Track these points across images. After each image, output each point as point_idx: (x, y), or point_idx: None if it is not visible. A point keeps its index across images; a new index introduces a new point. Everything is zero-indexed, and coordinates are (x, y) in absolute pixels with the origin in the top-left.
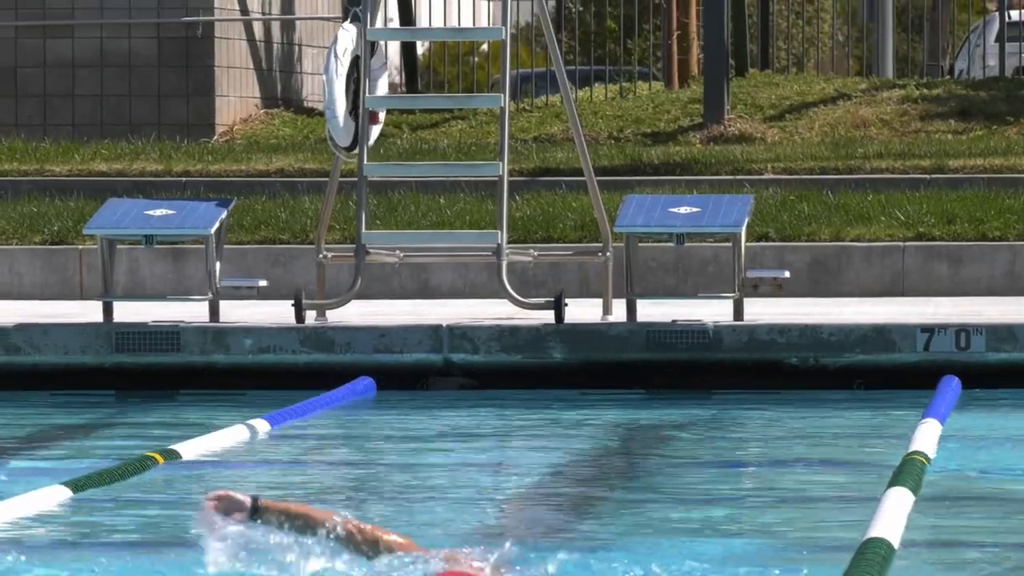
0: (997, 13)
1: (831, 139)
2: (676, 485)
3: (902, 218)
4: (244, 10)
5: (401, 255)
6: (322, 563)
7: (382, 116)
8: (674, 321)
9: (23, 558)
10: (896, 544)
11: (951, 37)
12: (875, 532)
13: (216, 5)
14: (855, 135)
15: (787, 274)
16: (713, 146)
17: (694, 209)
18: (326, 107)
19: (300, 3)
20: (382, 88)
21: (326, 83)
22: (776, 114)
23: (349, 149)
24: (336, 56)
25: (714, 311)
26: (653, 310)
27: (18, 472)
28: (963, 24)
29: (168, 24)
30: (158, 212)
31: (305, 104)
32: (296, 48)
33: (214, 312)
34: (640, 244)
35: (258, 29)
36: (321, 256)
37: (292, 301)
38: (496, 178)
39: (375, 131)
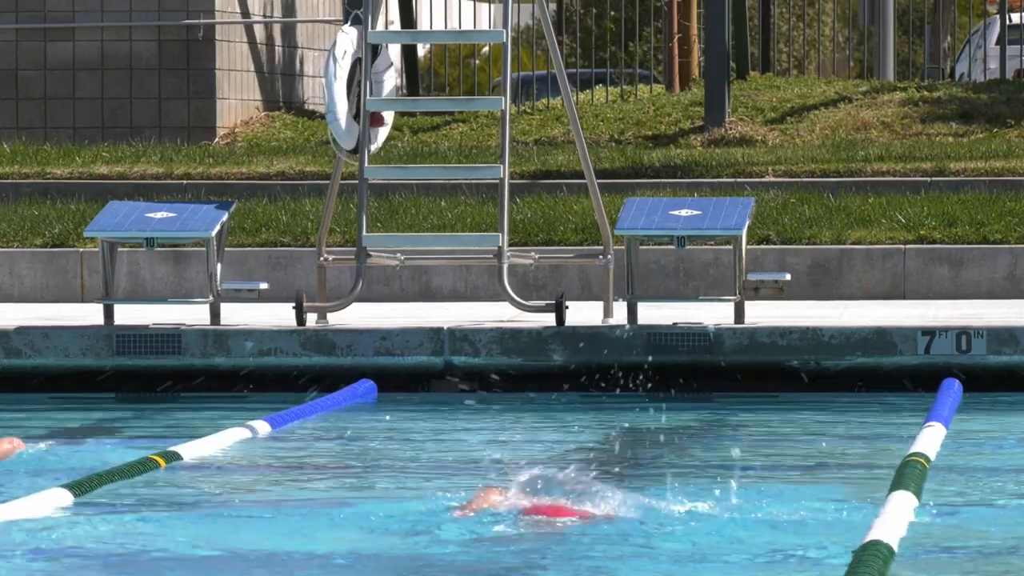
0: (998, 16)
1: (832, 142)
2: (676, 487)
3: (903, 221)
4: (245, 12)
5: (402, 258)
6: None
7: (389, 118)
8: (675, 324)
9: (23, 561)
10: (896, 547)
11: (952, 40)
12: (875, 535)
13: (217, 7)
14: (856, 138)
15: (788, 277)
16: (714, 149)
17: (695, 212)
18: (327, 110)
19: (301, 5)
20: (389, 88)
21: (326, 86)
22: (777, 117)
23: (354, 152)
24: (335, 59)
25: (715, 314)
26: (654, 313)
27: (18, 474)
28: (964, 27)
29: (169, 26)
30: (159, 215)
31: (306, 107)
32: (297, 51)
33: (215, 315)
34: (641, 247)
35: (259, 31)
36: (322, 259)
37: (293, 304)
38: (497, 181)
39: (383, 133)
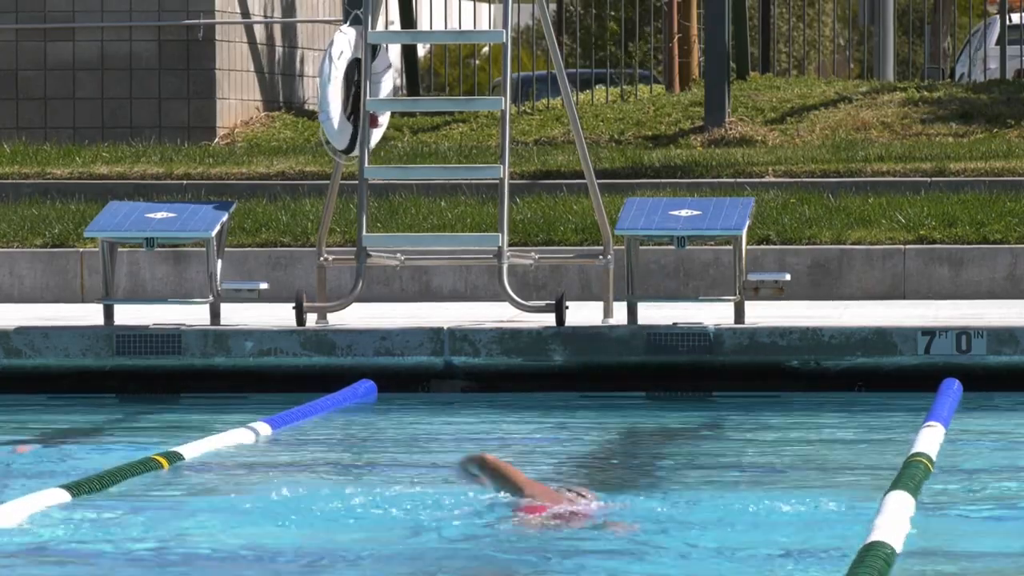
0: (998, 16)
1: (832, 142)
2: (675, 488)
3: (903, 221)
4: (245, 12)
5: (402, 258)
6: None
7: (384, 119)
8: (675, 324)
9: (22, 561)
10: (898, 548)
11: (952, 40)
12: (877, 535)
13: (217, 7)
14: (856, 138)
15: (788, 277)
16: (714, 149)
17: (695, 212)
18: (319, 109)
19: (301, 5)
20: (386, 90)
21: (319, 86)
22: (777, 117)
23: (346, 152)
24: (330, 59)
25: (715, 314)
26: (654, 313)
27: (18, 475)
28: (964, 27)
29: (169, 27)
30: (159, 215)
31: (306, 107)
32: (297, 51)
33: (215, 315)
34: (641, 247)
35: (259, 32)
36: (322, 259)
37: (293, 304)
38: (497, 181)
39: (377, 134)
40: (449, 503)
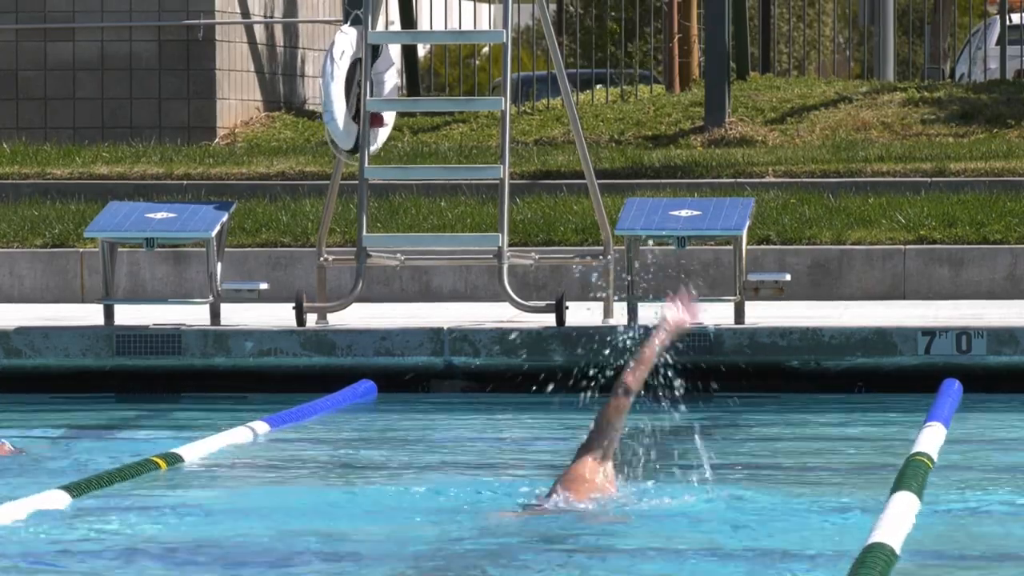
0: (998, 16)
1: (832, 142)
2: (675, 488)
3: (903, 221)
4: (245, 13)
5: (402, 258)
6: None
7: (390, 118)
8: None
9: (21, 562)
10: (898, 549)
11: (952, 40)
12: (877, 537)
13: (217, 7)
14: (856, 138)
15: (788, 277)
16: (714, 149)
17: (695, 212)
18: (324, 110)
19: (301, 5)
20: (390, 88)
21: (323, 86)
22: (777, 117)
23: (352, 152)
24: (333, 59)
25: (715, 314)
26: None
27: (18, 475)
28: (964, 27)
29: (169, 27)
30: (159, 215)
31: (306, 107)
32: (297, 51)
33: (215, 315)
34: (641, 247)
35: (259, 32)
36: (322, 259)
37: (293, 304)
38: (497, 181)
39: (383, 133)
40: (449, 502)
